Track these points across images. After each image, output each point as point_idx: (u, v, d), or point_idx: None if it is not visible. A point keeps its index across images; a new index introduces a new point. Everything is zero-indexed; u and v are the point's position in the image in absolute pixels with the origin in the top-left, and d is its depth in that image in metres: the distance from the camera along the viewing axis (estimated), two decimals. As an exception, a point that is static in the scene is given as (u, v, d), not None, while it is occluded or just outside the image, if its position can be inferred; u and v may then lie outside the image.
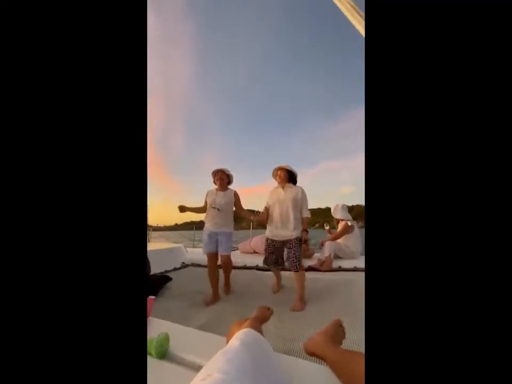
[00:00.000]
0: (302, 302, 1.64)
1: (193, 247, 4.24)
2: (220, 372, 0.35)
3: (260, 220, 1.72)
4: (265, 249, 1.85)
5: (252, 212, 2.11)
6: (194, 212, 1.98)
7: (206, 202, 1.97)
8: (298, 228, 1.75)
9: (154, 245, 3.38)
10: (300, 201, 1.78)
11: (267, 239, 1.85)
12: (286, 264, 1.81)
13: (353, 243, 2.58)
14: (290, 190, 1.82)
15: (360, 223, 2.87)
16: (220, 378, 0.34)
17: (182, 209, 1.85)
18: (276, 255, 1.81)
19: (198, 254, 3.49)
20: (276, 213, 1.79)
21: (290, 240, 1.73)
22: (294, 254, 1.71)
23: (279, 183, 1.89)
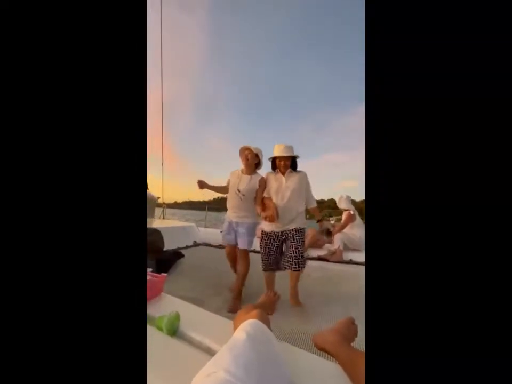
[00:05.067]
0: (297, 298, 1.49)
1: (205, 227, 4.37)
2: (225, 372, 0.35)
3: (270, 217, 1.42)
4: (261, 247, 1.53)
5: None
6: (214, 190, 1.73)
7: (228, 182, 1.68)
8: (302, 219, 1.49)
9: (167, 222, 3.50)
10: (304, 191, 1.51)
11: (263, 234, 1.54)
12: (282, 262, 1.50)
13: (358, 231, 2.73)
14: (293, 178, 1.51)
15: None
16: (225, 379, 0.34)
17: (202, 185, 1.60)
18: (277, 252, 1.51)
19: (209, 233, 3.60)
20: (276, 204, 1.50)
21: (291, 230, 1.46)
22: (296, 248, 1.42)
23: (281, 172, 1.56)
